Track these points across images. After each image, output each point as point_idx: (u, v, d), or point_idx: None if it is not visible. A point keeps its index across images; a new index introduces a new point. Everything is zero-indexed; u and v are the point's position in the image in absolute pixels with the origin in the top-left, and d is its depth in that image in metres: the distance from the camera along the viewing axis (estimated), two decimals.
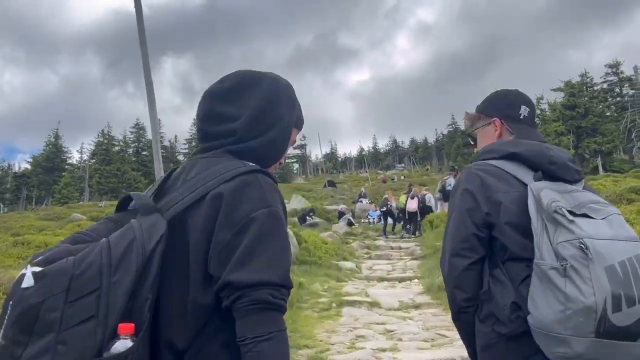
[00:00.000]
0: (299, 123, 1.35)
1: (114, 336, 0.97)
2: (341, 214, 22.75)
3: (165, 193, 1.20)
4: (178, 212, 1.11)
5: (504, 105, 1.76)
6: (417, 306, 7.26)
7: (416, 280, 9.93)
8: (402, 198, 18.40)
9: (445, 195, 18.63)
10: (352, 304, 7.25)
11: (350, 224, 21.36)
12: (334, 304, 7.15)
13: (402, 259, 13.10)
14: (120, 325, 0.97)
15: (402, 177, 46.52)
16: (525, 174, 1.51)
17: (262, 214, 1.08)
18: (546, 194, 1.39)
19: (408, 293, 8.10)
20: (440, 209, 18.72)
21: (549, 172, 1.51)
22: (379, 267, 11.83)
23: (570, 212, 1.32)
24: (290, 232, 11.50)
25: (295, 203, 23.90)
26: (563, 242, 1.29)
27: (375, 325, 6.14)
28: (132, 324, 0.98)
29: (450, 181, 18.79)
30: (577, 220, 1.32)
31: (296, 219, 20.23)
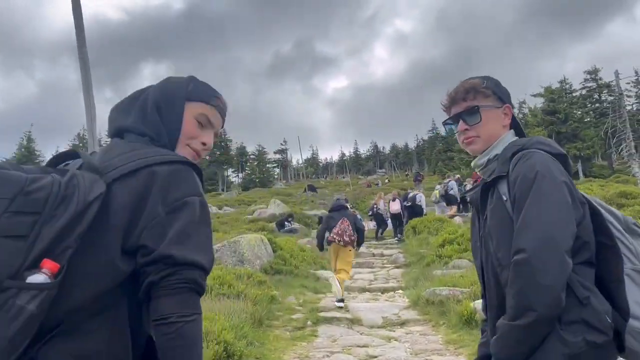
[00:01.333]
0: (194, 95, 1.32)
1: (34, 267, 0.95)
2: (321, 220, 21.91)
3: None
4: (113, 179, 1.11)
5: (510, 97, 1.63)
6: (402, 323, 6.45)
7: (400, 291, 9.16)
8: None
9: (447, 199, 18.14)
10: (330, 321, 6.39)
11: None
12: (309, 322, 6.29)
13: (384, 267, 12.32)
14: (45, 259, 0.96)
15: (386, 181, 46.11)
16: None
17: (194, 200, 1.14)
18: (609, 207, 1.43)
19: (392, 307, 7.28)
20: (439, 211, 18.16)
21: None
22: (360, 277, 11.02)
23: None
24: (264, 238, 10.61)
25: (273, 207, 22.96)
26: None
27: (355, 349, 5.29)
28: (59, 265, 0.97)
29: (452, 184, 18.14)
30: None
31: (274, 225, 19.33)
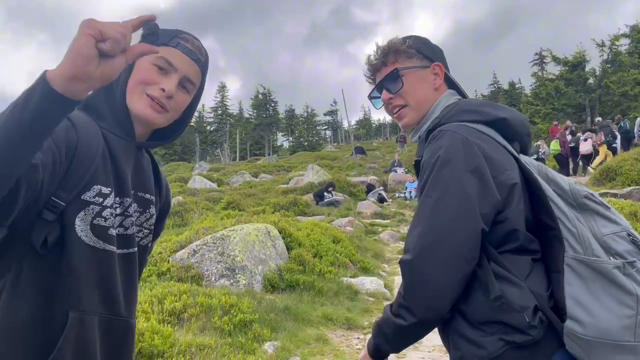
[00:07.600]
0: (149, 38, 1.05)
1: None
2: (370, 188, 18.08)
3: None
4: None
5: (442, 55, 1.44)
6: None
7: None
8: (554, 144, 17.71)
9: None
10: None
11: (381, 200, 16.87)
12: None
13: None
14: None
15: None
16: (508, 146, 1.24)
17: None
18: (555, 173, 1.22)
19: None
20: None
21: (523, 145, 1.31)
22: None
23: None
24: (272, 230, 6.94)
25: (311, 175, 19.25)
26: (611, 234, 1.12)
27: None
28: None
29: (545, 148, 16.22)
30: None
31: (311, 197, 15.73)
